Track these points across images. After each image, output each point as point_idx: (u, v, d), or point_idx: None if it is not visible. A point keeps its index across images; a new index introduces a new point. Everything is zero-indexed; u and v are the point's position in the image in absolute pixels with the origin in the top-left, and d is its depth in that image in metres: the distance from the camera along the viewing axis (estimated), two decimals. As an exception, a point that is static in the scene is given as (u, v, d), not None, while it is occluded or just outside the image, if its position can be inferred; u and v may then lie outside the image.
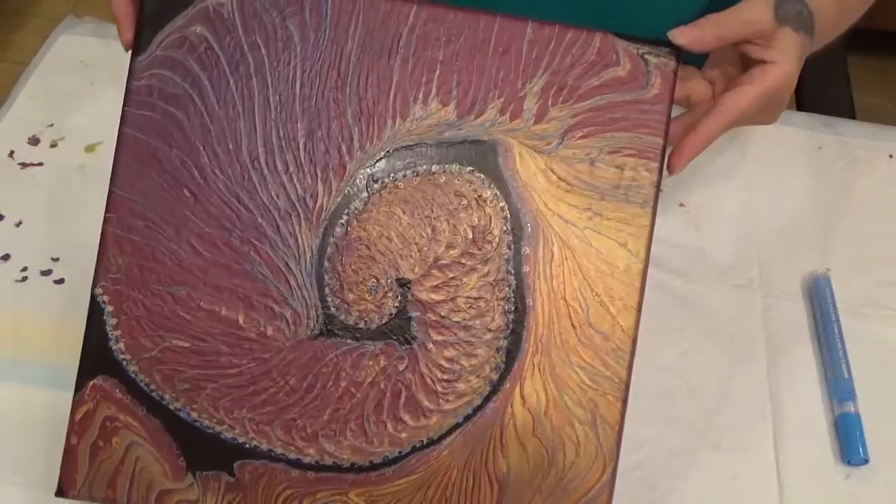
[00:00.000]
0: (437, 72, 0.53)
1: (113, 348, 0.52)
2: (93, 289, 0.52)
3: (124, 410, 0.52)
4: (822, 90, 0.87)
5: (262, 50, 0.53)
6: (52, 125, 0.75)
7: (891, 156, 0.77)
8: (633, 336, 0.52)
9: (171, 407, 0.52)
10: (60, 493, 0.52)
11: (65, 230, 0.69)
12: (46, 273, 0.67)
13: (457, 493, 0.52)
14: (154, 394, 0.52)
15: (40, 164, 0.73)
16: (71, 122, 0.75)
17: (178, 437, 0.52)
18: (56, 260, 0.67)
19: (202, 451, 0.52)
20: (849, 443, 0.61)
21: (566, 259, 0.52)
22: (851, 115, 0.84)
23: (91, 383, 0.52)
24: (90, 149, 0.74)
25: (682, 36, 0.53)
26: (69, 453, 0.52)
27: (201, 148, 0.53)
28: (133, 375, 0.52)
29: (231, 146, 0.53)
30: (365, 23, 0.53)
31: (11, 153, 0.73)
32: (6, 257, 0.67)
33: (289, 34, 0.54)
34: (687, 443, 0.61)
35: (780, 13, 0.56)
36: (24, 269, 0.67)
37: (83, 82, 0.78)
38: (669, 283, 0.68)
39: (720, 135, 0.56)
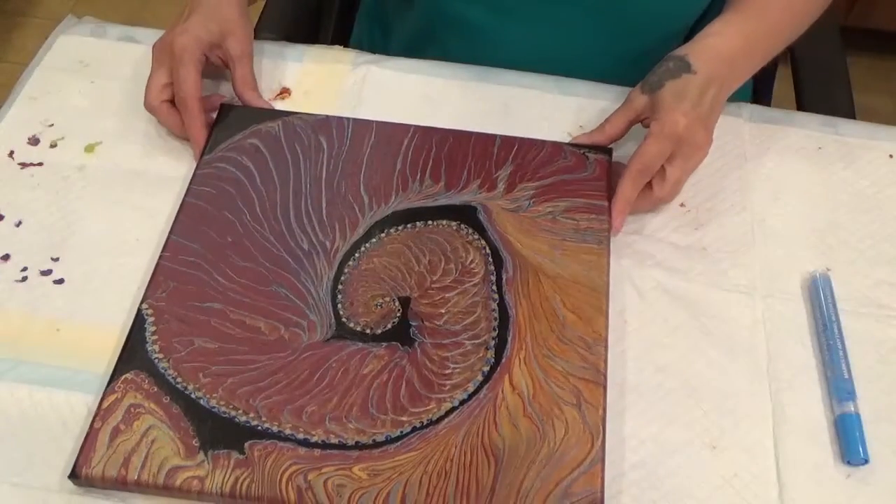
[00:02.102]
0: (430, 165, 0.71)
1: (149, 349, 0.60)
2: (140, 304, 0.62)
3: (150, 398, 0.58)
4: (822, 90, 0.86)
5: (299, 152, 0.71)
6: (52, 125, 0.75)
7: (891, 156, 0.77)
8: (604, 335, 0.62)
9: (192, 395, 0.58)
10: (74, 474, 0.55)
11: (65, 230, 0.69)
12: (46, 273, 0.67)
13: (455, 467, 0.56)
14: (179, 385, 0.59)
15: (40, 164, 0.73)
16: (71, 122, 0.75)
17: (195, 421, 0.57)
18: (56, 260, 0.67)
19: (216, 433, 0.57)
20: (849, 443, 0.61)
21: (540, 282, 0.64)
22: (851, 115, 0.84)
23: (123, 377, 0.59)
24: (90, 149, 0.74)
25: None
26: (90, 436, 0.56)
27: (245, 211, 0.68)
28: (163, 370, 0.59)
29: (268, 210, 0.68)
30: (377, 136, 0.73)
31: (11, 153, 0.73)
32: (6, 257, 0.67)
33: (320, 143, 0.72)
34: (687, 443, 0.61)
35: (646, 88, 0.69)
36: (24, 269, 0.67)
37: (83, 82, 0.78)
38: (669, 283, 0.68)
39: (635, 189, 0.68)
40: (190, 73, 0.70)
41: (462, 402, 0.59)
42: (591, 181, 0.70)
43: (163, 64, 0.71)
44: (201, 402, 0.58)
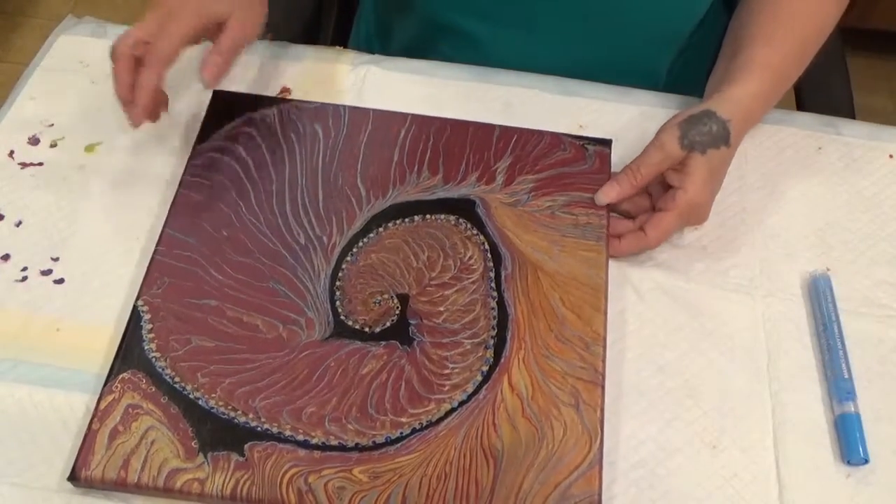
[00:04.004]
0: (428, 156, 0.70)
1: (146, 348, 0.60)
2: (135, 301, 0.61)
3: (148, 399, 0.57)
4: (822, 90, 0.86)
5: (294, 141, 0.70)
6: (52, 125, 0.75)
7: (891, 156, 0.77)
8: (602, 335, 0.62)
9: (190, 396, 0.58)
10: (73, 476, 0.55)
11: (65, 230, 0.69)
12: (46, 273, 0.67)
13: (455, 470, 0.56)
14: (177, 385, 0.58)
15: (40, 164, 0.73)
16: (71, 122, 0.75)
17: (194, 422, 0.57)
18: (56, 260, 0.67)
19: (215, 435, 0.56)
20: (849, 443, 0.61)
21: (539, 278, 0.64)
22: (851, 115, 0.84)
23: (121, 377, 0.58)
24: (90, 149, 0.74)
25: (605, 197, 0.67)
26: (88, 437, 0.56)
27: (241, 203, 0.67)
28: (160, 370, 0.59)
29: (264, 202, 0.67)
30: (373, 125, 0.71)
31: (11, 153, 0.73)
32: (6, 257, 0.67)
33: (315, 132, 0.71)
34: (687, 443, 0.61)
35: (686, 142, 0.66)
36: (24, 269, 0.67)
37: (83, 82, 0.78)
38: (669, 283, 0.68)
39: (638, 253, 0.68)
40: (179, 29, 0.63)
41: (461, 403, 0.58)
42: (590, 174, 0.69)
43: (154, 18, 0.65)
44: (200, 402, 0.58)
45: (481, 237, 0.66)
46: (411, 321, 0.62)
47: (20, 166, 0.72)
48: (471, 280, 0.64)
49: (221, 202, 0.66)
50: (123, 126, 0.75)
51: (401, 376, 0.60)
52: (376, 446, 0.57)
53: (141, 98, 0.63)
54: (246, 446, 0.56)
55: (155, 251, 0.64)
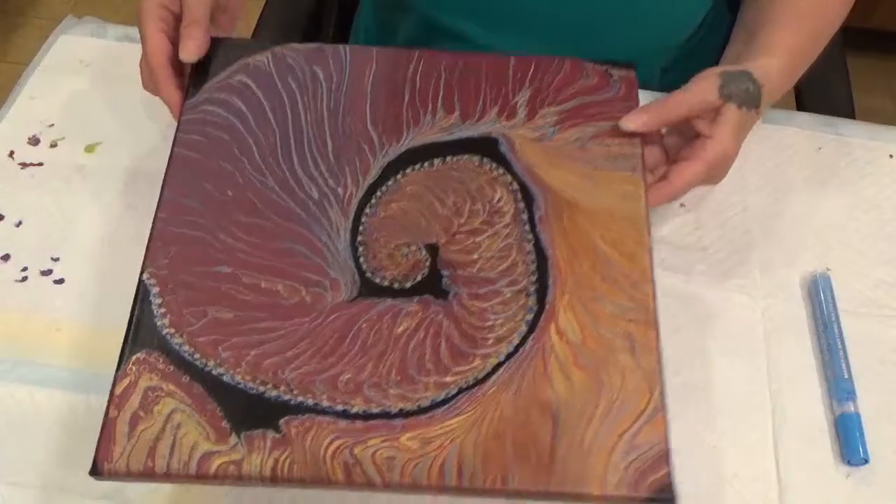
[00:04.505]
0: (441, 94, 0.64)
1: (158, 324, 0.55)
2: (140, 275, 0.56)
3: (167, 379, 0.53)
4: (822, 90, 0.86)
5: (294, 88, 0.64)
6: (52, 125, 0.75)
7: (891, 156, 0.77)
8: (649, 272, 0.57)
9: (213, 372, 0.53)
10: (95, 470, 0.50)
11: (65, 230, 0.69)
12: (46, 273, 0.67)
13: (511, 428, 0.52)
14: (197, 362, 0.54)
15: (40, 164, 0.73)
16: (71, 122, 0.75)
17: (222, 400, 0.53)
18: (56, 260, 0.67)
19: (246, 412, 0.52)
20: (849, 443, 0.61)
21: (576, 216, 0.59)
22: (851, 116, 0.84)
23: (134, 358, 0.54)
24: (90, 149, 0.74)
25: (632, 122, 0.62)
26: (107, 427, 0.51)
27: (244, 160, 0.61)
28: (177, 347, 0.54)
29: (269, 156, 0.61)
30: (378, 65, 0.66)
31: (11, 153, 0.73)
32: (6, 257, 0.67)
33: (316, 77, 0.65)
34: (687, 443, 0.61)
35: (725, 91, 0.63)
36: (24, 269, 0.67)
37: (83, 82, 0.78)
38: (670, 283, 0.68)
39: (665, 203, 0.64)
40: (149, 31, 0.63)
41: (508, 357, 0.54)
42: (617, 102, 0.64)
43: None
44: (225, 378, 0.53)
45: (509, 177, 0.61)
46: (444, 272, 0.57)
47: (20, 166, 0.72)
48: (503, 224, 0.59)
49: (222, 160, 0.61)
50: (123, 126, 0.75)
51: (440, 332, 0.55)
52: (422, 410, 0.53)
53: (170, 101, 0.64)
54: (281, 421, 0.52)
55: (156, 219, 0.59)
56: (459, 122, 0.63)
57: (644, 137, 0.62)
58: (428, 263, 0.58)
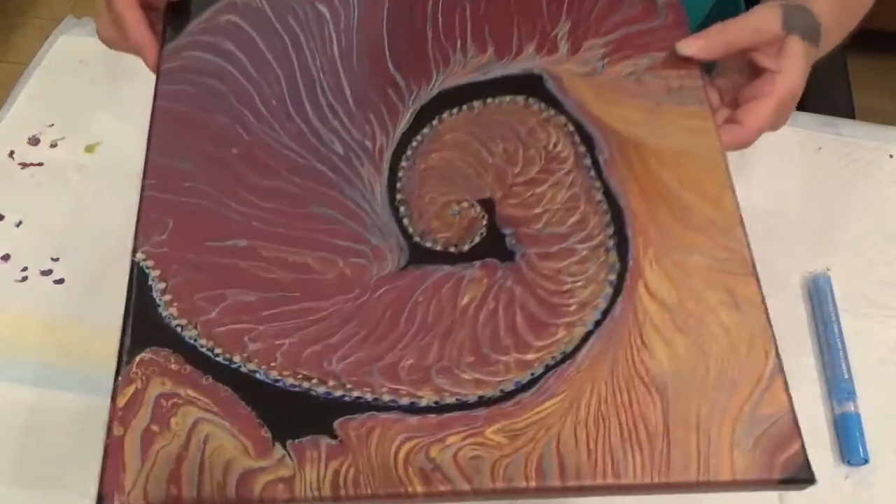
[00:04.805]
0: (469, 27, 0.56)
1: (163, 315, 0.45)
2: (133, 256, 0.47)
3: (183, 383, 0.43)
4: (823, 90, 0.86)
5: (297, 29, 0.56)
6: (52, 125, 0.75)
7: (891, 156, 0.77)
8: (738, 216, 0.50)
9: (243, 370, 0.44)
10: (101, 502, 0.40)
11: (65, 230, 0.69)
12: (46, 273, 0.67)
13: (613, 410, 0.44)
14: (219, 358, 0.44)
15: (40, 164, 0.73)
16: (71, 122, 0.75)
17: (257, 403, 0.43)
18: (56, 260, 0.67)
19: (290, 416, 0.43)
20: (849, 443, 0.61)
21: (645, 158, 0.52)
22: (851, 116, 0.84)
23: (138, 359, 0.44)
24: (90, 149, 0.74)
25: (688, 47, 0.55)
26: (112, 449, 0.41)
27: (244, 110, 0.52)
28: (192, 341, 0.45)
29: (276, 106, 0.52)
30: (390, 1, 0.57)
31: (11, 153, 0.73)
32: (6, 257, 0.67)
33: (320, 15, 0.56)
34: (687, 443, 0.61)
35: (788, 22, 0.57)
36: (24, 269, 0.67)
37: (83, 82, 0.78)
38: (669, 283, 0.68)
39: (736, 150, 0.56)
40: None
41: (597, 324, 0.46)
42: (666, 30, 0.57)
43: None
44: (258, 376, 0.44)
45: (562, 118, 0.53)
46: (505, 231, 0.49)
47: (20, 166, 0.72)
48: (564, 171, 0.51)
49: (219, 112, 0.52)
50: (123, 126, 0.75)
51: (512, 301, 0.47)
52: (506, 395, 0.44)
53: (143, 48, 0.56)
54: (336, 423, 0.43)
55: (143, 188, 0.49)
56: (495, 60, 0.55)
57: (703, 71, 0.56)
58: (485, 222, 0.50)
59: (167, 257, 0.47)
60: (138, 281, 0.46)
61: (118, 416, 0.42)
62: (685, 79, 0.55)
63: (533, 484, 0.41)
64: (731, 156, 0.77)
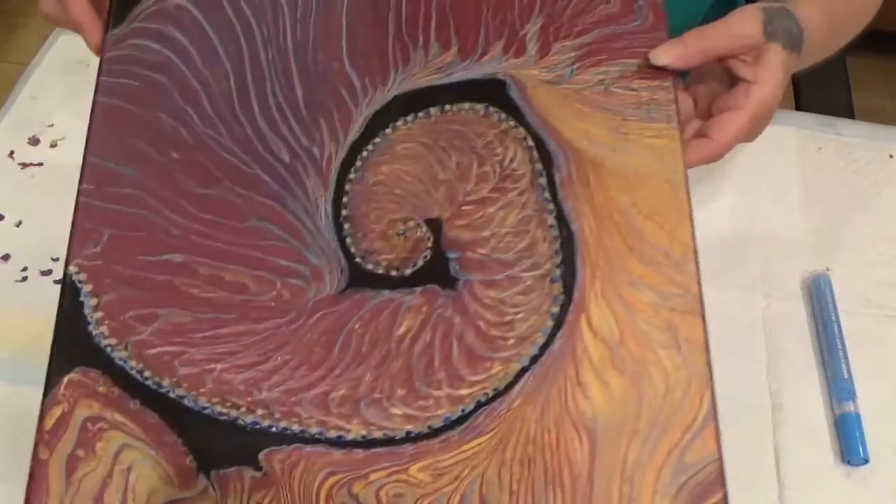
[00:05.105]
0: (433, 22, 0.52)
1: (93, 333, 0.44)
2: (65, 268, 0.45)
3: (111, 407, 0.42)
4: (822, 90, 0.87)
5: (249, 15, 0.52)
6: (52, 125, 0.75)
7: (891, 156, 0.77)
8: (692, 246, 0.48)
9: (171, 395, 0.43)
10: None
11: (65, 230, 0.69)
12: (46, 273, 0.67)
13: (540, 450, 0.43)
14: (149, 382, 0.43)
15: (40, 164, 0.73)
16: (71, 122, 0.75)
17: (184, 431, 0.43)
18: (56, 260, 0.67)
19: (216, 445, 0.42)
20: (849, 443, 0.61)
21: (603, 179, 0.49)
22: (850, 116, 0.84)
23: (66, 379, 0.43)
24: (90, 149, 0.74)
25: (663, 56, 0.52)
26: (37, 473, 0.42)
27: (189, 109, 0.49)
28: (121, 363, 0.43)
29: (223, 105, 0.49)
30: None
31: (11, 153, 0.73)
32: (6, 257, 0.67)
33: (276, 1, 0.52)
34: (687, 443, 0.61)
35: (770, 29, 0.55)
36: (24, 269, 0.67)
37: (83, 82, 0.78)
38: (669, 283, 0.68)
39: (705, 164, 0.55)
40: None
41: (533, 360, 0.44)
42: (644, 34, 0.52)
43: None
44: (186, 402, 0.43)
45: (521, 130, 0.50)
46: (450, 255, 0.47)
47: (20, 166, 0.72)
48: (518, 191, 0.48)
49: (161, 110, 0.49)
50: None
51: (450, 332, 0.45)
52: (434, 432, 0.43)
53: (85, 25, 0.54)
54: (261, 455, 0.42)
55: (79, 192, 0.47)
56: (458, 61, 0.51)
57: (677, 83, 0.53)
58: (430, 243, 0.47)
59: (100, 271, 0.45)
60: (70, 296, 0.45)
61: (44, 440, 0.42)
62: (657, 91, 0.51)
63: None
64: (731, 156, 0.77)
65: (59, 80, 0.78)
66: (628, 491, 0.42)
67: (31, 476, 0.42)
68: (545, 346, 0.45)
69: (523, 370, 0.44)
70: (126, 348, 0.44)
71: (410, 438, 0.43)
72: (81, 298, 0.45)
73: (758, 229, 0.72)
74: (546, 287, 0.46)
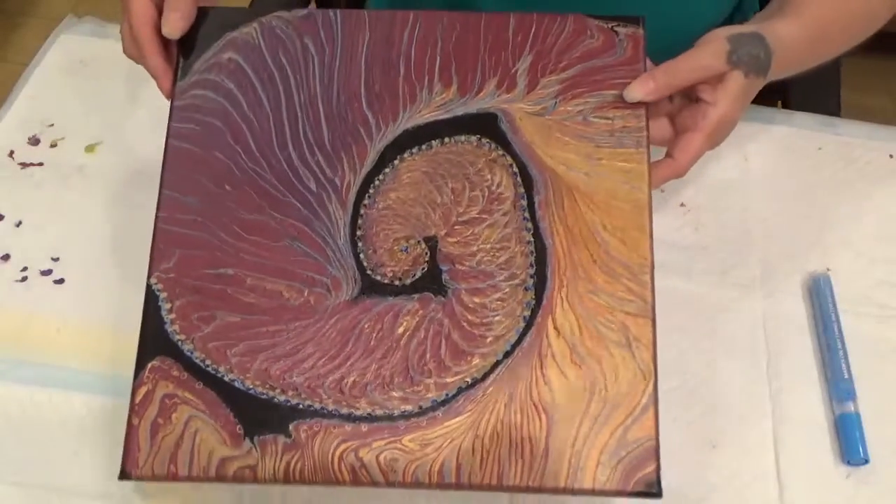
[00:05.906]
0: (438, 63, 0.61)
1: (169, 331, 0.55)
2: (148, 279, 0.56)
3: (182, 387, 0.54)
4: (812, 91, 0.86)
5: (285, 64, 0.61)
6: (52, 125, 0.75)
7: (891, 156, 0.77)
8: (649, 260, 0.56)
9: (225, 378, 0.55)
10: (124, 475, 0.53)
11: (65, 230, 0.69)
12: (46, 273, 0.67)
13: (507, 428, 0.53)
14: (209, 368, 0.55)
15: (40, 164, 0.73)
16: (71, 122, 0.75)
17: (234, 406, 0.54)
18: (56, 260, 0.67)
19: (258, 417, 0.54)
20: (849, 443, 0.61)
21: (576, 201, 0.57)
22: (838, 116, 0.84)
23: (149, 365, 0.55)
24: (90, 149, 0.74)
25: (636, 92, 0.58)
26: (131, 434, 0.53)
27: (238, 149, 0.59)
28: (189, 353, 0.55)
29: (264, 145, 0.59)
30: (372, 32, 0.62)
31: (11, 153, 0.73)
32: (6, 257, 0.67)
33: (307, 49, 0.61)
34: (687, 442, 0.61)
35: (735, 58, 0.60)
36: (24, 269, 0.67)
37: (83, 82, 0.78)
38: (669, 283, 0.68)
39: (671, 180, 0.62)
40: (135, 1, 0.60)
41: (506, 355, 0.55)
42: (622, 67, 0.60)
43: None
44: (236, 384, 0.55)
45: (508, 158, 0.58)
46: (443, 267, 0.57)
47: (20, 166, 0.72)
48: (501, 212, 0.57)
49: (217, 150, 0.59)
50: (123, 126, 0.75)
51: (440, 331, 0.56)
52: (423, 411, 0.54)
53: (157, 73, 0.61)
54: (291, 426, 0.54)
55: (157, 219, 0.58)
56: (457, 98, 0.60)
57: (649, 108, 0.60)
58: (427, 258, 0.57)
59: (173, 282, 0.56)
60: (151, 302, 0.56)
61: (135, 410, 0.54)
62: (629, 118, 0.59)
63: (433, 482, 0.53)
64: (731, 155, 0.77)
65: (59, 80, 0.78)
66: (576, 462, 0.53)
67: (127, 437, 0.53)
68: (517, 344, 0.55)
69: (497, 363, 0.55)
70: (192, 342, 0.55)
71: (405, 416, 0.54)
72: (159, 304, 0.56)
73: (758, 229, 0.72)
74: (520, 294, 0.56)
